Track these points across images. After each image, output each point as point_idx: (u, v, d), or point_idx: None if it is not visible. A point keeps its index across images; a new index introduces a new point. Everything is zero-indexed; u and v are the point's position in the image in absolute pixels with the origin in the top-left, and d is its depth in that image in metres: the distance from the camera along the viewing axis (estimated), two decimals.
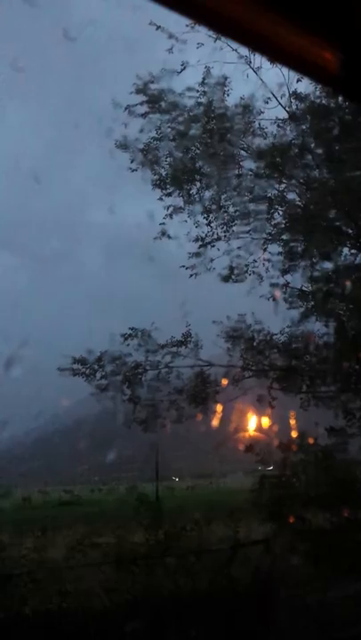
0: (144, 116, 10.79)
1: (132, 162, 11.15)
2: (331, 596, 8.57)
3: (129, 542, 9.51)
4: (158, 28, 10.39)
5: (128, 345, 11.14)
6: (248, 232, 11.38)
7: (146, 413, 11.38)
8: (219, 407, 11.72)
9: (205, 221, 11.47)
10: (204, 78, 10.80)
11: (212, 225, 11.47)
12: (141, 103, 10.70)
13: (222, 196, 11.48)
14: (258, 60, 10.38)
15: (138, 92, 10.68)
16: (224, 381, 11.52)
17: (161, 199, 11.33)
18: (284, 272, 11.38)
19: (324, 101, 10.62)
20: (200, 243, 11.41)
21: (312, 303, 11.33)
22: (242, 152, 11.23)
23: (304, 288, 11.47)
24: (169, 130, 10.98)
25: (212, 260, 11.41)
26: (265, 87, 10.73)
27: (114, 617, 7.97)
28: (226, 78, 10.82)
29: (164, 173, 11.27)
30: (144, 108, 10.76)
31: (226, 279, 11.30)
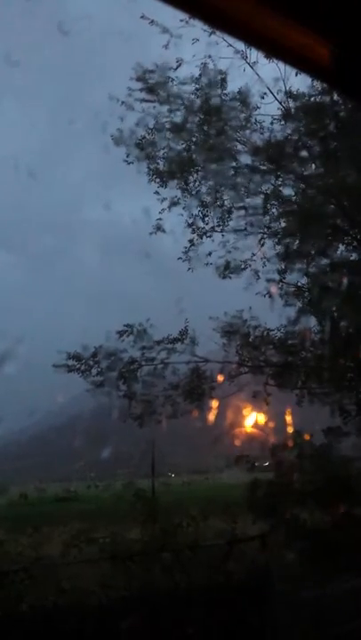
0: (142, 102, 10.67)
1: (127, 155, 11.11)
2: (327, 592, 8.60)
3: (125, 538, 9.51)
4: (152, 22, 10.33)
5: (123, 341, 11.14)
6: (244, 227, 11.39)
7: (141, 409, 11.38)
8: (214, 403, 11.73)
9: (201, 215, 11.47)
10: (200, 74, 10.76)
11: (207, 218, 11.47)
12: (140, 90, 10.61)
13: (218, 190, 11.46)
14: (254, 54, 10.35)
15: (138, 79, 10.59)
16: (220, 378, 11.53)
17: (157, 192, 11.31)
18: (281, 269, 11.39)
19: (319, 98, 10.59)
20: (193, 229, 11.41)
21: (308, 299, 11.35)
22: (238, 146, 11.20)
23: (300, 284, 11.49)
24: (166, 121, 10.92)
25: (209, 254, 11.39)
26: (261, 82, 10.70)
27: (110, 613, 7.97)
28: (222, 73, 10.77)
29: (160, 165, 11.22)
30: (143, 95, 10.67)
31: (222, 274, 11.31)
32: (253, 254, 11.35)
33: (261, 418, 12.99)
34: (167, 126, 10.94)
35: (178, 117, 10.89)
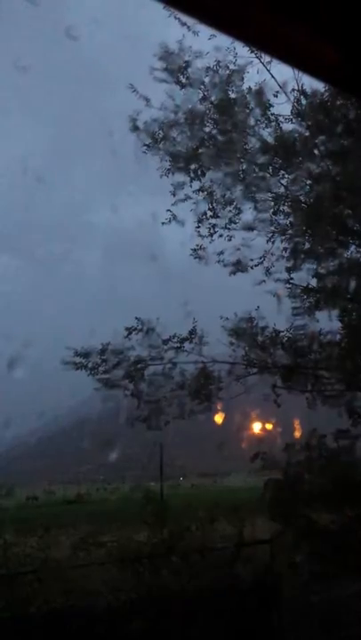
0: (160, 82, 10.62)
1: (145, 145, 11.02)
2: (335, 595, 8.55)
3: (133, 541, 9.51)
4: (170, 16, 10.26)
5: (130, 339, 11.09)
6: (254, 225, 11.36)
7: (148, 410, 11.33)
8: (221, 405, 11.69)
9: (212, 212, 11.44)
10: (216, 69, 10.75)
11: (219, 214, 11.43)
12: (162, 69, 10.57)
13: (228, 186, 11.43)
14: None
15: (160, 59, 10.58)
16: (228, 379, 11.47)
17: (183, 183, 11.19)
18: (289, 268, 11.35)
19: (330, 97, 10.55)
20: (202, 226, 11.38)
21: (317, 300, 11.30)
22: (250, 144, 11.16)
23: (309, 285, 11.43)
24: (180, 113, 10.89)
25: (221, 252, 11.32)
26: (275, 82, 10.65)
27: (118, 616, 7.96)
28: (233, 71, 10.74)
29: (174, 158, 11.16)
30: (164, 76, 10.63)
31: (235, 270, 11.27)
32: (270, 252, 11.29)
33: (270, 420, 12.96)
34: (182, 119, 10.91)
35: (193, 108, 10.85)
